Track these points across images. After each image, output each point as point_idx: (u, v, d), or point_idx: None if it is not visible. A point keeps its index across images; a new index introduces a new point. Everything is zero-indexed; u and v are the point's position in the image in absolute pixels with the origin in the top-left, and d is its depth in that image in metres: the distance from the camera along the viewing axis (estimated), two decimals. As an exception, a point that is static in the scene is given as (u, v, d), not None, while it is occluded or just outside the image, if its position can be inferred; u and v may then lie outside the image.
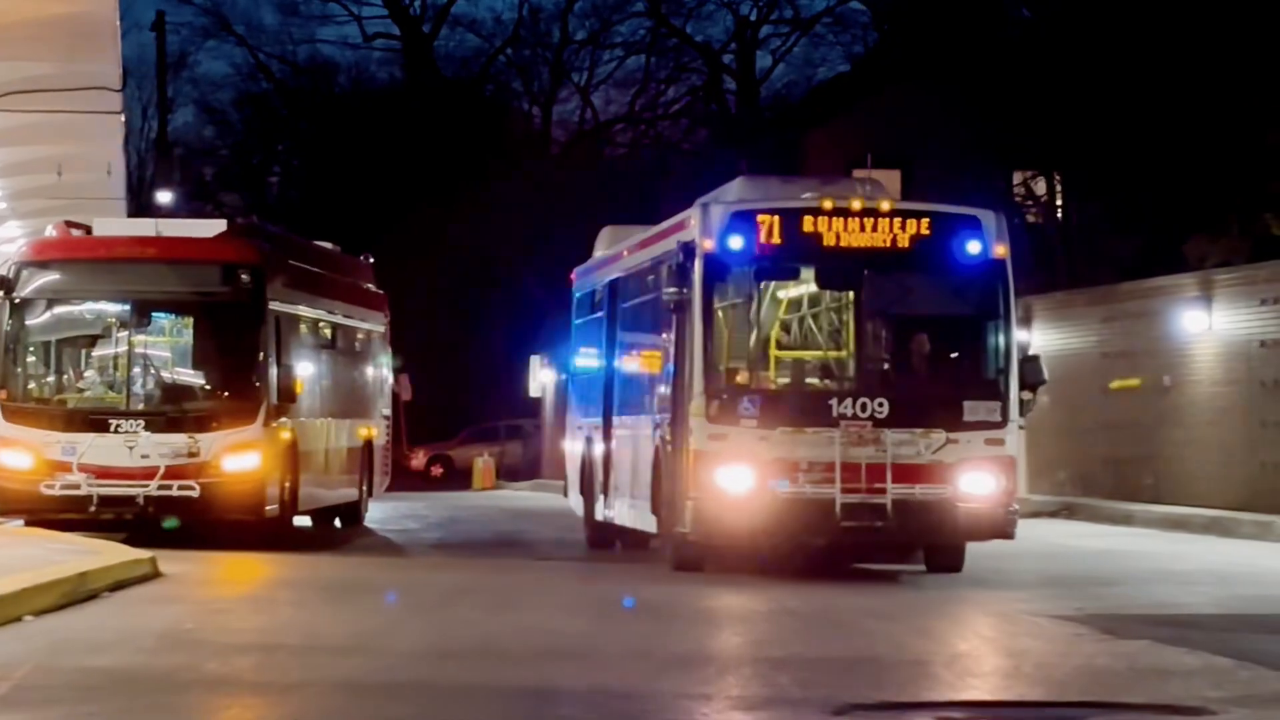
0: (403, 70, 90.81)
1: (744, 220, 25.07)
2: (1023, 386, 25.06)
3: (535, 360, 74.31)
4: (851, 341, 25.76)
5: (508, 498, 61.50)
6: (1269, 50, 47.22)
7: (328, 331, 37.81)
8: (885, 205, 25.48)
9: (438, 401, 69.44)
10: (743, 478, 24.57)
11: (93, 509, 31.46)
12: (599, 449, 31.24)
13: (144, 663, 17.93)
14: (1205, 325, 39.23)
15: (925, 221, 25.25)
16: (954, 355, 26.24)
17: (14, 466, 31.82)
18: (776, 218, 25.14)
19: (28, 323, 32.44)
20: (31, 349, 32.68)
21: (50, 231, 34.89)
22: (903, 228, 25.11)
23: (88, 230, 34.20)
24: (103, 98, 35.49)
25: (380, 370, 42.68)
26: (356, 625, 21.44)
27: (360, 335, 40.78)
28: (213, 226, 35.67)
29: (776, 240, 25.13)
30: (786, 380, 26.01)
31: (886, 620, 21.66)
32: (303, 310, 35.46)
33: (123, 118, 40.25)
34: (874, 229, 24.98)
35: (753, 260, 25.27)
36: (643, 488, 27.94)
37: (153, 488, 31.41)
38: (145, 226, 36.80)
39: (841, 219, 25.05)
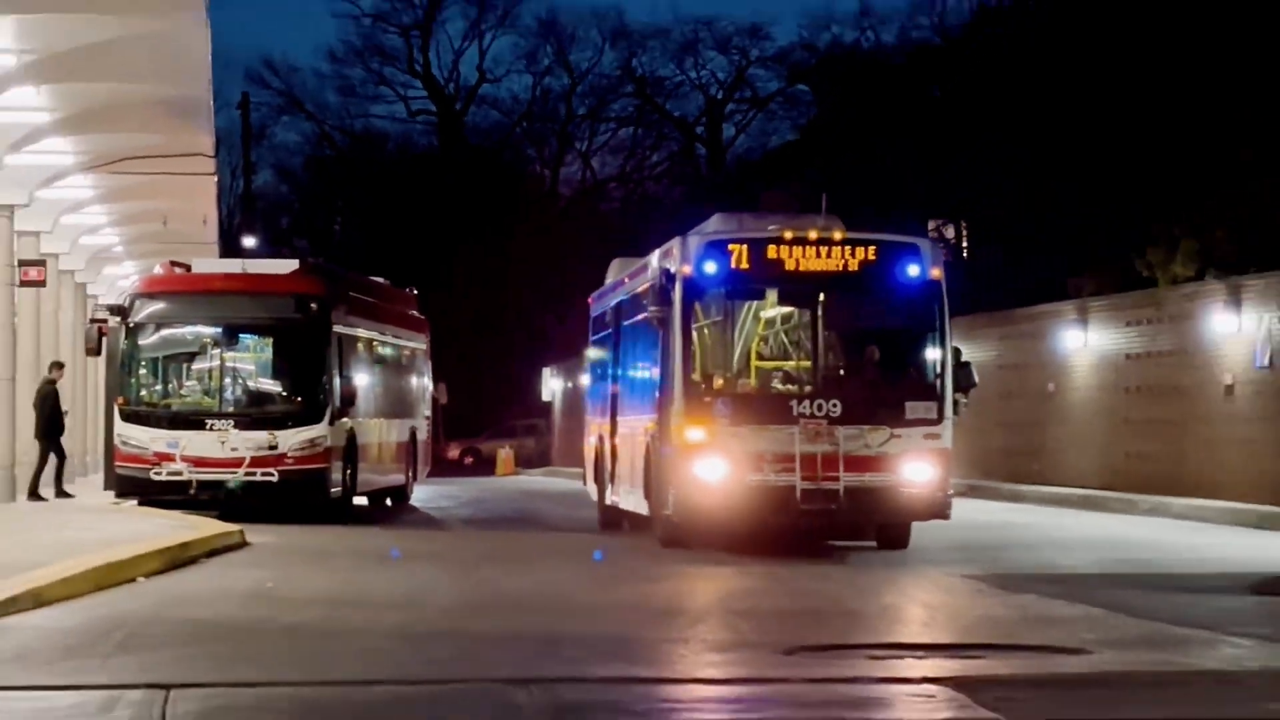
0: (439, 140, 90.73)
1: (717, 249, 24.13)
2: (956, 389, 24.20)
3: (546, 371, 74.47)
4: (810, 351, 24.78)
5: (524, 482, 61.36)
6: (1126, 130, 47.50)
7: (380, 349, 37.83)
8: (837, 234, 24.37)
9: (468, 404, 69.38)
10: (717, 468, 23.61)
11: (192, 491, 31.50)
12: (607, 445, 30.32)
13: (233, 614, 17.93)
14: (1082, 342, 39.43)
15: (872, 248, 24.30)
16: (897, 362, 24.95)
17: (131, 458, 31.94)
18: (744, 246, 24.18)
19: (139, 343, 32.49)
20: (142, 364, 32.70)
21: (157, 269, 34.89)
22: (853, 254, 24.15)
23: (188, 268, 34.24)
24: (199, 162, 35.46)
25: (422, 379, 42.67)
26: (403, 584, 21.42)
27: (406, 351, 40.77)
28: (287, 265, 35.69)
29: (745, 266, 24.17)
30: (754, 385, 24.87)
31: (832, 582, 21.58)
32: (360, 331, 35.51)
33: (215, 178, 40.16)
34: (828, 255, 24.05)
35: (724, 283, 24.34)
36: (639, 477, 27.14)
37: (240, 474, 31.52)
38: (233, 265, 36.89)
39: (800, 247, 24.07)
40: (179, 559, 23.22)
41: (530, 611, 18.62)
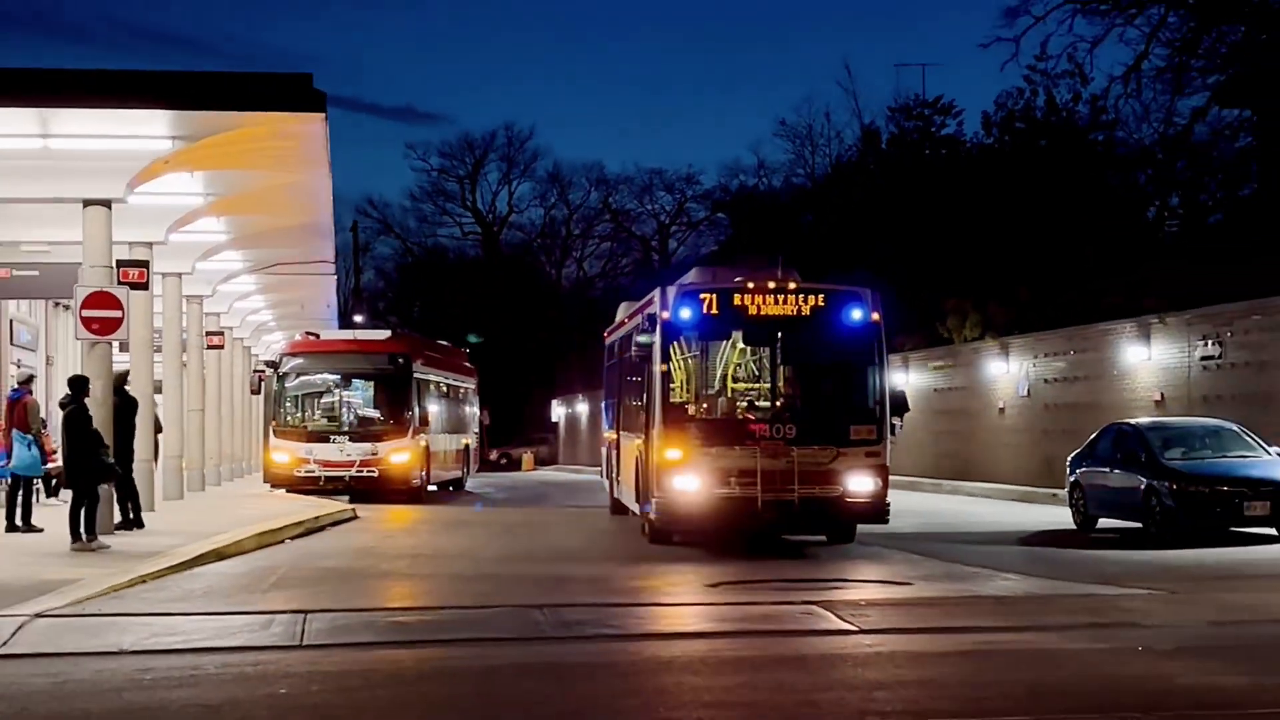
0: (483, 251, 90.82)
1: (690, 297, 20.18)
2: (892, 414, 20.28)
3: (554, 402, 74.48)
4: (770, 382, 20.62)
5: (541, 476, 61.21)
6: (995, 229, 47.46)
7: (445, 387, 37.84)
8: (792, 285, 20.31)
9: (503, 424, 69.35)
10: (692, 482, 19.55)
11: (321, 484, 31.48)
12: (613, 453, 26.83)
13: (349, 564, 17.89)
14: (1005, 370, 35.82)
15: (822, 296, 20.20)
16: (843, 391, 20.65)
17: (280, 462, 31.92)
18: (714, 294, 20.20)
19: (285, 385, 32.58)
20: (288, 400, 32.72)
21: (297, 336, 34.94)
22: (805, 300, 20.12)
23: (317, 336, 34.31)
24: (324, 267, 35.48)
25: (473, 408, 42.70)
26: (463, 543, 21.37)
27: (462, 389, 40.78)
28: (383, 334, 35.85)
29: (714, 311, 20.13)
30: (723, 410, 20.44)
31: (766, 553, 20.05)
32: (432, 376, 35.54)
33: (334, 278, 40.17)
34: (785, 301, 20.12)
35: (697, 326, 20.21)
36: (633, 482, 23.05)
37: (353, 472, 31.51)
38: (347, 334, 36.97)
39: (761, 295, 20.11)
40: (313, 527, 23.18)
41: (544, 560, 18.61)
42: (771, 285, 20.30)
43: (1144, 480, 21.46)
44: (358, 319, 66.75)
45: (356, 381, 33.35)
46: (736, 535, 20.28)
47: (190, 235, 26.84)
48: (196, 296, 32.18)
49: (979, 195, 47.39)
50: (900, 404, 20.57)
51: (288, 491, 31.54)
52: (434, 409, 35.05)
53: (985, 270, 43.25)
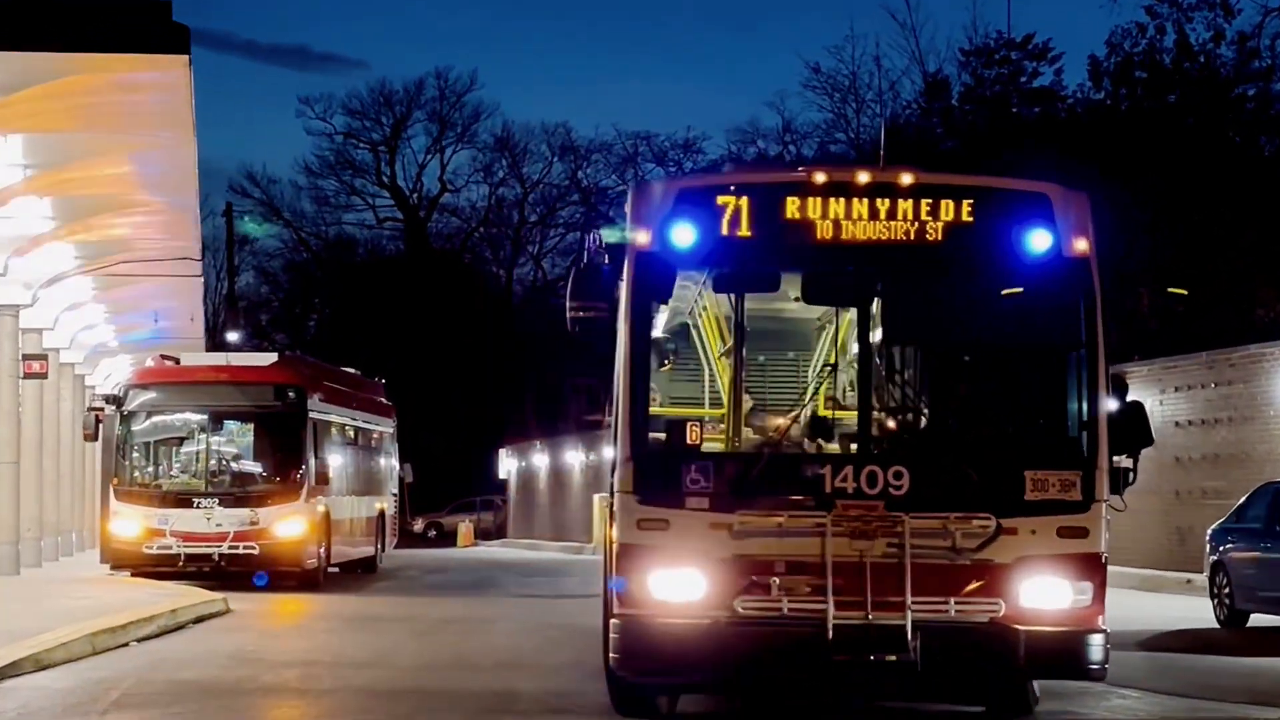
0: (405, 244, 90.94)
1: (695, 203, 13.25)
2: (1119, 448, 13.19)
3: (503, 452, 74.47)
4: (857, 383, 13.34)
5: (483, 553, 61.18)
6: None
7: (351, 432, 37.81)
8: (906, 178, 13.26)
9: (431, 481, 69.27)
10: (688, 582, 12.82)
11: (180, 564, 31.42)
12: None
13: (218, 675, 17.82)
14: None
15: (968, 203, 13.17)
16: (1010, 403, 13.71)
17: (123, 533, 31.89)
18: (745, 198, 13.15)
19: (132, 428, 32.55)
20: (135, 448, 32.69)
21: (149, 362, 35.00)
22: (934, 213, 13.11)
23: (176, 361, 34.28)
24: (187, 266, 35.50)
25: (390, 460, 42.64)
26: (372, 646, 21.29)
27: (375, 435, 40.74)
28: (267, 358, 35.90)
29: (744, 231, 13.13)
30: (758, 437, 13.79)
31: None
32: (333, 417, 35.51)
33: (201, 280, 40.19)
34: (891, 214, 13.12)
35: (708, 260, 13.36)
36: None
37: (224, 548, 31.48)
38: (218, 358, 37.00)
39: (841, 200, 13.13)
40: (168, 625, 23.10)
41: (483, 670, 18.50)
42: (865, 178, 13.34)
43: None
44: (232, 337, 66.73)
45: (230, 423, 33.28)
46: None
47: (2, 221, 26.84)
48: (9, 306, 32.12)
49: (1084, 168, 47.52)
50: (1133, 428, 13.47)
51: (134, 575, 31.39)
52: (336, 461, 34.99)
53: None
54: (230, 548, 31.42)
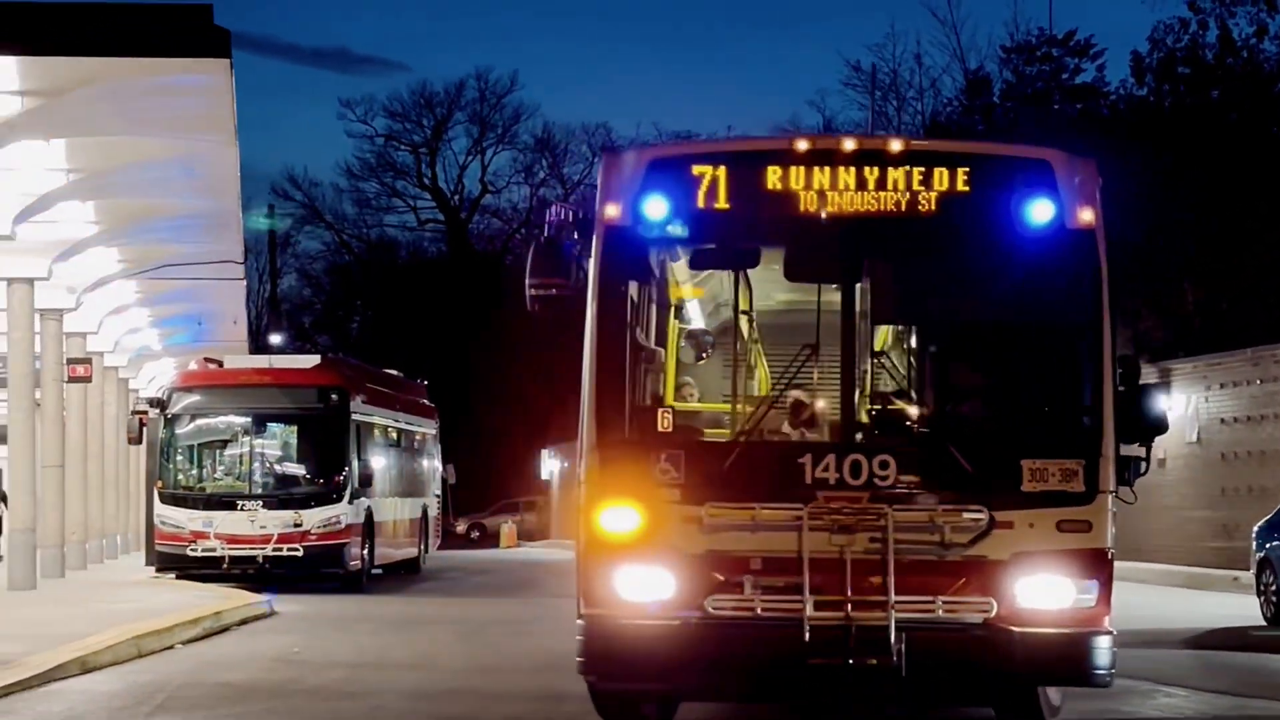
0: (446, 245, 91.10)
1: (668, 172, 12.25)
2: (1130, 435, 12.27)
3: (545, 452, 74.42)
4: (841, 363, 12.09)
5: (527, 554, 61.15)
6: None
7: (394, 433, 37.86)
8: (896, 145, 12.19)
9: (474, 482, 69.35)
10: (655, 582, 11.79)
11: (225, 566, 31.49)
12: None
13: (263, 677, 17.84)
14: (1166, 406, 35.50)
15: (963, 172, 12.06)
16: (1007, 387, 12.67)
17: (169, 536, 31.99)
18: (722, 166, 12.12)
19: (176, 431, 32.65)
20: (179, 450, 32.78)
21: (193, 365, 35.10)
22: (926, 182, 11.99)
23: (220, 364, 34.37)
24: (230, 269, 35.57)
25: (433, 461, 42.70)
26: (417, 648, 21.32)
27: (418, 436, 40.79)
28: (310, 360, 35.89)
29: (721, 203, 12.11)
30: (733, 423, 12.78)
31: None
32: (376, 418, 35.58)
33: (244, 283, 40.30)
34: (880, 184, 12.03)
35: (683, 235, 12.30)
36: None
37: (268, 550, 31.53)
38: (261, 361, 37.14)
39: (826, 170, 12.06)
40: (213, 627, 23.17)
41: (528, 671, 18.48)
42: (851, 145, 12.29)
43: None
44: (275, 340, 67.03)
45: (273, 426, 33.36)
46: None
47: (46, 226, 26.90)
48: (54, 310, 32.21)
49: (1126, 166, 47.29)
50: (1147, 413, 12.54)
51: (179, 577, 31.51)
52: (379, 463, 35.04)
53: (1135, 270, 43.12)
54: (274, 550, 31.49)
